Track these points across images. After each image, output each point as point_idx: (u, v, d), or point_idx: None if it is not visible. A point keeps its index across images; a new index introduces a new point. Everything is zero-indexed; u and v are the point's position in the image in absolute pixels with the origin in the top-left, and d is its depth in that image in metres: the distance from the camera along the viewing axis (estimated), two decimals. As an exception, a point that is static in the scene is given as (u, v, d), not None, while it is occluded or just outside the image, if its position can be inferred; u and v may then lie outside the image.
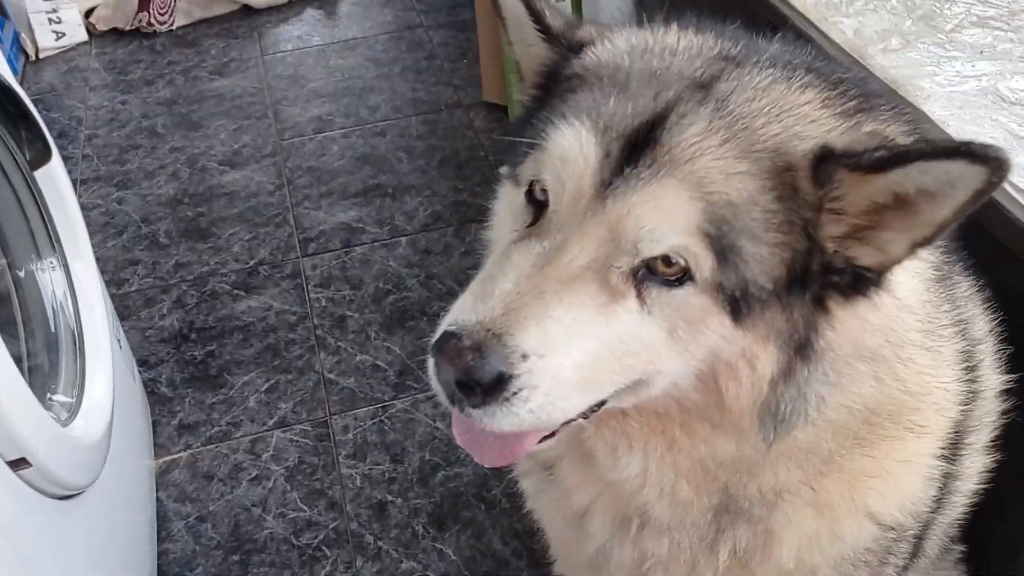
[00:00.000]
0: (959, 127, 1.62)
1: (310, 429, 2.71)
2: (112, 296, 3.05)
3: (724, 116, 0.97)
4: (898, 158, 0.88)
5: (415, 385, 2.81)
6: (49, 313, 2.07)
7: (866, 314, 1.02)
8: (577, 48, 1.12)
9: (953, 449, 1.26)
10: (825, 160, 0.93)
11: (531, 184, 1.05)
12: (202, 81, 4.41)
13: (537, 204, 1.04)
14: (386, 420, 2.72)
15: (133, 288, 3.22)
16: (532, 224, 1.04)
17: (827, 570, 1.24)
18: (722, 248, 0.94)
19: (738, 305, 0.96)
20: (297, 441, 2.68)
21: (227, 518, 2.50)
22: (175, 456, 2.67)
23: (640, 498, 1.16)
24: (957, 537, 1.55)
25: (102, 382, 2.00)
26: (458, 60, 4.42)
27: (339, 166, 3.76)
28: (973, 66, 1.80)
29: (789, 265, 0.96)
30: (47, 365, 1.98)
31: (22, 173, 1.97)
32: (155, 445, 2.68)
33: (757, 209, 0.95)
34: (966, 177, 0.84)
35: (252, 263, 3.29)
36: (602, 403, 1.04)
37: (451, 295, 3.08)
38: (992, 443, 1.37)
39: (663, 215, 0.94)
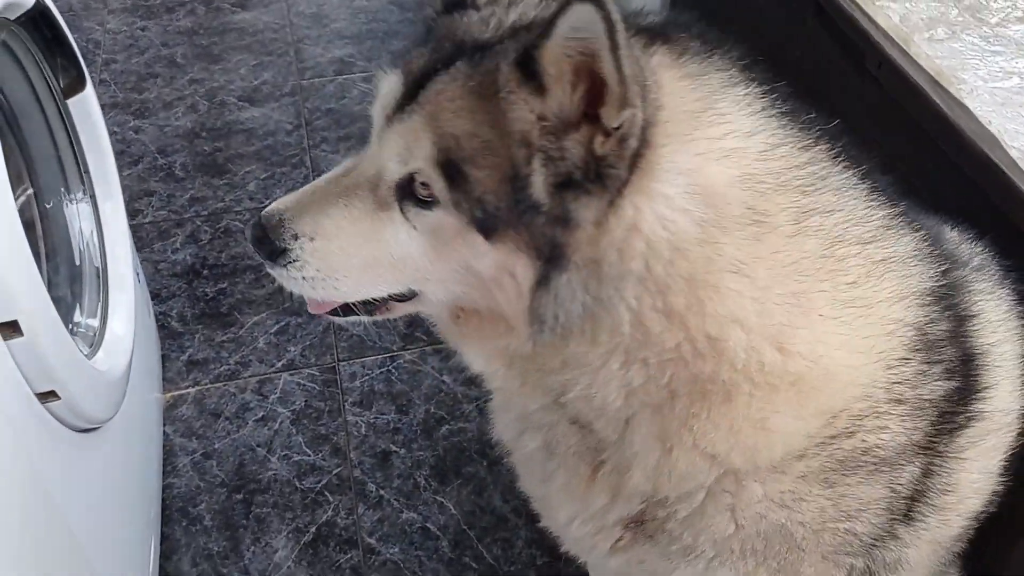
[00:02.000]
0: (1000, 125, 1.61)
1: (318, 374, 2.73)
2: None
3: (471, 62, 1.10)
4: (548, 21, 0.96)
5: (424, 337, 2.82)
6: (74, 247, 2.06)
7: (633, 221, 1.03)
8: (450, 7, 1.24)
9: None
10: (529, 50, 1.00)
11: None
12: (224, 13, 4.35)
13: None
14: (393, 370, 2.73)
15: (147, 220, 3.21)
16: None
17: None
18: (451, 173, 1.08)
19: (484, 224, 1.08)
20: (304, 385, 2.70)
21: (232, 457, 2.53)
22: (183, 391, 2.68)
23: (506, 387, 1.30)
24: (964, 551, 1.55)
25: (124, 316, 2.00)
26: (484, 9, 4.35)
27: (358, 110, 3.72)
28: (1016, 62, 1.78)
29: (510, 183, 1.05)
30: (69, 296, 1.99)
31: (55, 100, 1.95)
32: (164, 380, 2.70)
33: (476, 140, 1.07)
34: (589, 21, 0.92)
35: (267, 203, 3.26)
36: (382, 301, 1.24)
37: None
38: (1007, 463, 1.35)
39: (407, 142, 1.11)
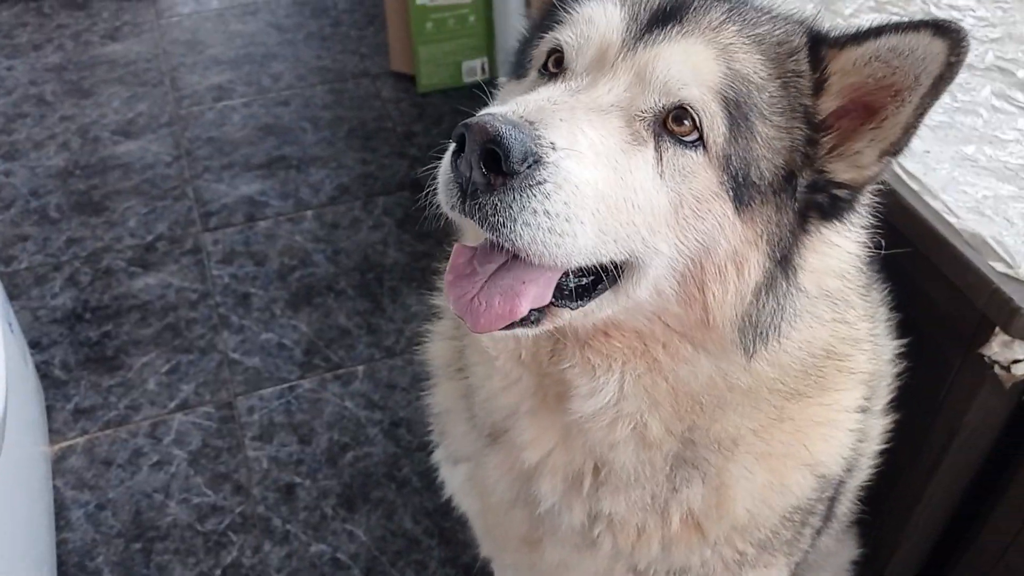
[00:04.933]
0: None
1: (214, 411, 2.64)
2: (0, 275, 2.91)
3: (738, 12, 1.06)
4: (870, 32, 0.99)
5: (322, 364, 2.76)
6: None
7: (831, 250, 1.10)
8: None
9: (865, 405, 1.31)
10: (819, 41, 1.05)
11: (547, 57, 1.10)
12: (93, 46, 4.21)
13: (551, 76, 1.09)
14: (293, 400, 2.67)
15: (23, 265, 3.07)
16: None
17: (774, 523, 1.29)
18: (736, 117, 1.00)
19: (740, 193, 1.00)
20: (200, 424, 2.61)
21: (128, 505, 2.43)
22: (71, 442, 2.57)
23: (610, 437, 1.16)
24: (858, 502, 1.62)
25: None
26: (365, 27, 4.32)
27: (241, 136, 3.64)
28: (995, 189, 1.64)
29: (787, 157, 1.03)
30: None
31: None
32: (50, 431, 2.58)
33: (767, 92, 1.01)
34: (929, 54, 0.94)
35: (150, 238, 3.17)
36: (590, 289, 1.04)
37: (358, 271, 3.06)
38: (888, 405, 1.47)
39: (690, 65, 1.00)
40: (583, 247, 0.96)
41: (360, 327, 2.87)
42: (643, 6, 1.06)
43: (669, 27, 1.03)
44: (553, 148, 0.91)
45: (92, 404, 2.66)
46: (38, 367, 2.69)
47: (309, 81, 3.97)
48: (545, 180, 0.91)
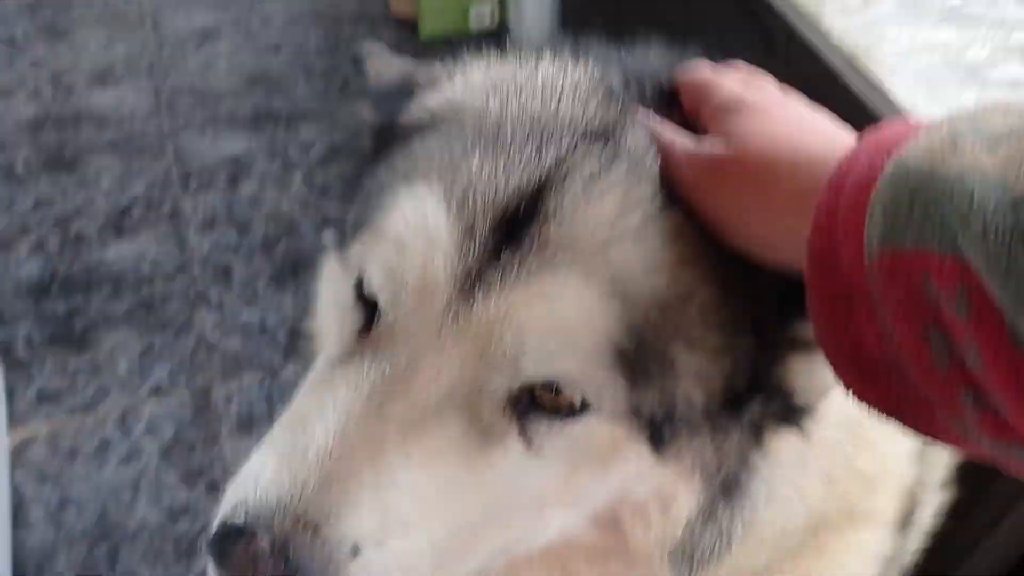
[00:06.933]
0: (926, 109, 1.40)
1: (189, 399, 2.43)
2: (-42, 241, 2.69)
3: (643, 179, 0.72)
4: None
5: (307, 349, 2.55)
6: None
7: (812, 427, 0.81)
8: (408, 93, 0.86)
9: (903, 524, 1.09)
10: None
11: (359, 280, 0.77)
12: (70, -20, 3.90)
13: (370, 306, 0.76)
14: (275, 388, 2.46)
15: (-14, 228, 2.84)
16: (364, 330, 0.76)
17: None
18: (643, 362, 0.69)
19: (660, 432, 0.72)
20: (174, 413, 2.41)
21: (93, 503, 2.24)
22: (33, 430, 2.37)
23: None
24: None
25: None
26: (363, -35, 4.01)
27: (226, 86, 3.37)
28: (939, 32, 1.58)
29: (729, 376, 0.73)
30: None
31: None
32: (10, 417, 2.37)
33: (695, 304, 0.71)
34: None
35: (125, 201, 2.92)
36: None
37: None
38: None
39: (560, 324, 0.68)
40: None
41: (349, 307, 2.65)
42: (485, 201, 0.70)
43: (525, 251, 0.69)
44: (355, 553, 0.66)
45: (57, 388, 2.45)
46: (-1, 344, 2.48)
47: (302, 25, 3.68)
48: None
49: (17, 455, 2.31)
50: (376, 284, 0.73)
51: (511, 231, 0.70)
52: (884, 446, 0.96)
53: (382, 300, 0.73)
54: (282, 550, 0.65)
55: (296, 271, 2.74)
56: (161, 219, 2.87)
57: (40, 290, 2.67)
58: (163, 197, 2.93)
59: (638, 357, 0.69)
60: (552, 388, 0.70)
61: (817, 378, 0.76)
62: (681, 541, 0.79)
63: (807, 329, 0.70)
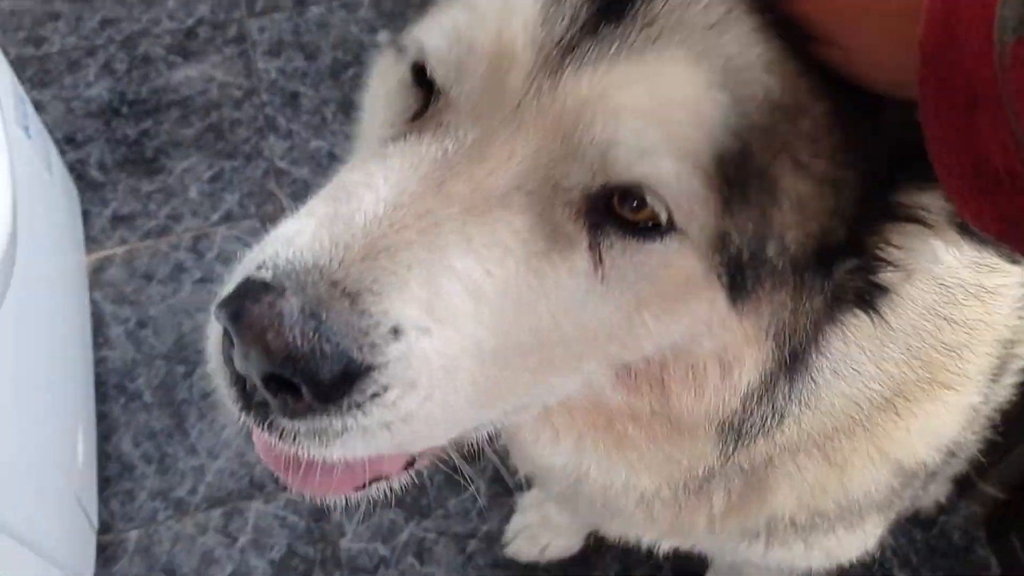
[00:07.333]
0: None
1: (259, 226, 2.43)
2: (30, 58, 2.67)
3: None
4: None
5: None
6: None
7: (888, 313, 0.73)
8: None
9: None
10: None
11: (411, 73, 0.68)
12: None
13: (427, 90, 0.68)
14: (344, 219, 2.44)
15: (55, 48, 2.78)
16: (418, 116, 0.68)
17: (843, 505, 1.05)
18: (744, 178, 0.61)
19: (742, 278, 0.64)
20: (245, 240, 2.39)
21: (170, 324, 2.29)
22: (109, 252, 2.40)
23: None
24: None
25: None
26: None
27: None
28: None
29: (827, 219, 0.64)
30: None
31: None
32: (87, 238, 2.41)
33: (808, 119, 0.62)
34: None
35: (190, 22, 2.84)
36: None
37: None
38: None
39: (662, 113, 0.59)
40: (459, 426, 0.66)
41: (419, 138, 2.59)
42: None
43: (627, 25, 0.59)
44: (395, 335, 0.57)
45: (131, 211, 2.47)
46: (73, 167, 2.48)
47: None
48: (388, 387, 0.58)
49: (95, 276, 2.36)
50: (439, 55, 0.65)
51: (612, 6, 0.61)
52: (975, 311, 0.87)
53: (443, 74, 0.65)
54: (313, 314, 0.56)
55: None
56: (228, 42, 2.79)
57: (111, 112, 2.65)
58: (229, 19, 2.85)
59: (739, 171, 0.61)
60: (635, 199, 0.62)
61: (911, 255, 0.68)
62: (730, 412, 0.72)
63: (915, 197, 0.63)
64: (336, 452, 0.61)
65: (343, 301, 0.57)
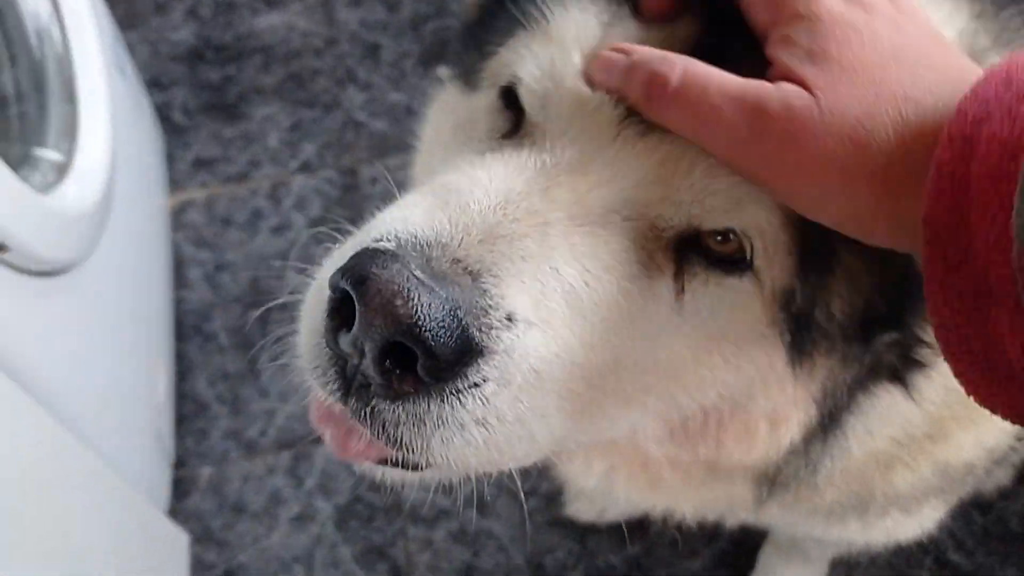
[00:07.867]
0: None
1: (336, 177, 2.47)
2: (117, 2, 2.70)
3: None
4: None
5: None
6: (30, 33, 1.76)
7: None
8: None
9: None
10: None
11: (509, 85, 0.70)
12: None
13: (521, 111, 0.70)
14: (419, 173, 2.46)
15: (141, -10, 2.84)
16: (509, 136, 0.71)
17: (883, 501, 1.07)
18: (813, 243, 0.63)
19: (800, 339, 0.66)
20: (322, 189, 2.45)
21: (246, 269, 2.34)
22: (191, 195, 2.46)
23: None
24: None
25: (99, 135, 1.73)
26: None
27: None
28: None
29: (873, 293, 0.67)
30: (34, 110, 1.72)
31: None
32: (170, 180, 2.47)
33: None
34: None
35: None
36: None
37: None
38: None
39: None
40: (542, 446, 0.64)
41: (496, 96, 2.59)
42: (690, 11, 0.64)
43: (749, 64, 0.60)
44: (509, 323, 0.57)
45: (212, 156, 2.52)
46: (158, 109, 2.53)
47: None
48: (486, 379, 0.57)
49: (176, 218, 2.42)
50: (531, 86, 0.67)
51: (723, 44, 0.64)
52: None
53: (536, 102, 0.68)
54: (440, 285, 0.55)
55: (444, 54, 2.66)
56: (311, -10, 2.81)
57: (195, 56, 2.69)
58: (313, -33, 2.86)
59: (811, 236, 0.63)
60: (721, 234, 0.64)
61: None
62: (769, 464, 0.76)
63: None
64: (435, 446, 0.61)
65: (465, 278, 0.58)
